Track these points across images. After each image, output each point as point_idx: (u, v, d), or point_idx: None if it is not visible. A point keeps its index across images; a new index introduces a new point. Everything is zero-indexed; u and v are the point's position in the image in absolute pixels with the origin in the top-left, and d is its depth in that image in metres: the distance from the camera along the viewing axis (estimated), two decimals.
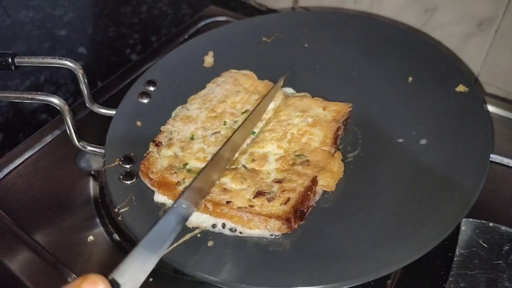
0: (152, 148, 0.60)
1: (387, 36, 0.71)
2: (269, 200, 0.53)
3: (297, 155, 0.57)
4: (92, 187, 0.63)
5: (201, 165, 0.57)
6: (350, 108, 0.62)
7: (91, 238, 0.58)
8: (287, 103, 0.64)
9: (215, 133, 0.61)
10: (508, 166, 0.63)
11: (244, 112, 0.64)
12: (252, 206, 0.53)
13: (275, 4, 0.98)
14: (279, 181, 0.55)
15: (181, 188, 0.55)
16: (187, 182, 0.55)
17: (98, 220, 0.60)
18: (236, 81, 0.68)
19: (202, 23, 0.91)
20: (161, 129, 0.63)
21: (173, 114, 0.66)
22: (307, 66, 0.71)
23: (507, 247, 0.51)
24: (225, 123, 0.62)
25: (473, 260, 0.51)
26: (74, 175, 0.65)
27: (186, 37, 0.89)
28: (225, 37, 0.76)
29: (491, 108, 0.70)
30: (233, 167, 0.57)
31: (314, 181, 0.55)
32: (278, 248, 0.51)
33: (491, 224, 0.53)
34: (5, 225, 0.60)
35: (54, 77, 0.94)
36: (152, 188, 0.57)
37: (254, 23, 0.78)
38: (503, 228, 0.53)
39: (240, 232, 0.52)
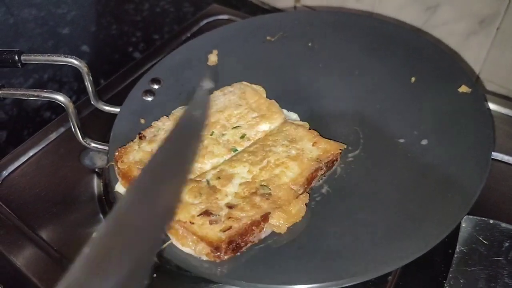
0: (136, 139, 0.60)
1: (390, 35, 0.71)
2: (211, 223, 0.50)
3: (261, 185, 0.54)
4: (96, 184, 0.64)
5: None
6: (341, 150, 0.58)
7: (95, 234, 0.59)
8: (282, 128, 0.61)
9: None
10: (509, 164, 0.63)
11: (234, 128, 0.61)
12: (193, 223, 0.51)
13: (277, 3, 0.98)
14: (230, 206, 0.52)
15: None
16: None
17: (102, 217, 0.61)
18: (243, 94, 0.66)
19: (205, 21, 0.92)
20: (152, 124, 0.62)
21: (172, 112, 0.65)
22: (310, 65, 0.72)
23: (507, 244, 0.52)
24: (212, 134, 0.61)
25: (473, 256, 0.52)
26: (78, 172, 0.65)
27: (188, 35, 0.89)
28: (229, 36, 0.77)
29: (492, 106, 0.70)
30: (198, 179, 0.56)
31: (265, 217, 0.51)
32: (278, 246, 0.51)
33: (491, 221, 0.54)
34: (11, 222, 0.61)
35: (57, 75, 0.95)
36: (117, 176, 0.57)
37: (258, 22, 0.79)
38: (503, 225, 0.53)
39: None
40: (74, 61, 0.61)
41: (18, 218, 0.61)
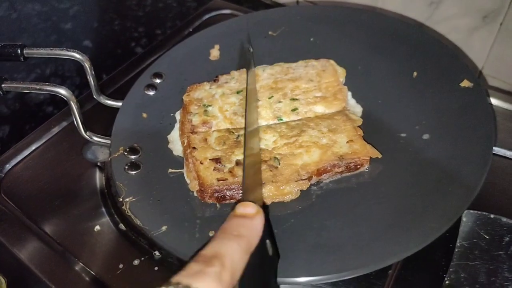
0: (211, 82, 0.67)
1: (392, 30, 0.71)
2: (214, 169, 0.55)
3: (275, 157, 0.56)
4: (99, 178, 0.65)
5: (216, 113, 0.62)
6: (369, 158, 0.56)
7: (97, 228, 0.59)
8: (333, 116, 0.61)
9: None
10: (510, 159, 0.63)
11: (292, 99, 0.63)
12: (202, 163, 0.56)
13: None
14: (237, 163, 0.56)
15: (190, 118, 0.62)
16: (196, 117, 0.62)
17: (104, 211, 0.61)
18: (322, 72, 0.66)
19: (207, 16, 0.92)
20: (230, 72, 0.68)
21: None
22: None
23: (507, 239, 0.52)
24: (270, 97, 0.63)
25: (474, 251, 0.52)
26: (81, 166, 0.66)
27: (191, 30, 0.89)
28: (231, 31, 0.77)
29: (494, 101, 0.70)
30: (232, 131, 0.60)
31: None
32: (278, 239, 0.51)
33: (492, 216, 0.54)
34: (14, 215, 0.61)
35: (59, 70, 0.96)
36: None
37: (260, 17, 0.79)
38: (504, 219, 0.54)
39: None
40: (76, 55, 0.62)
41: (20, 211, 0.62)
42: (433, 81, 0.63)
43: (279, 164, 0.56)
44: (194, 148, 0.58)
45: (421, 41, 0.68)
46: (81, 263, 0.56)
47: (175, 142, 0.62)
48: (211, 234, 0.52)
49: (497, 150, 0.64)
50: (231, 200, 0.55)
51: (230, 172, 0.55)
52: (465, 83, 0.61)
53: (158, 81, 0.70)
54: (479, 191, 0.51)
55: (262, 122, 0.61)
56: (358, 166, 0.56)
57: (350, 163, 0.56)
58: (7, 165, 0.66)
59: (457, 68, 0.63)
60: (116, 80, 0.80)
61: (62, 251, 0.57)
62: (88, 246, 0.58)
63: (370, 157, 0.56)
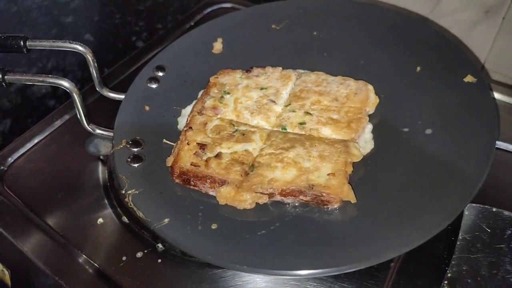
0: (243, 71, 0.68)
1: (396, 25, 0.71)
2: (194, 154, 0.57)
3: (252, 164, 0.57)
4: (101, 171, 0.65)
5: (230, 102, 0.64)
6: (339, 198, 0.53)
7: (100, 220, 0.60)
8: (334, 143, 0.58)
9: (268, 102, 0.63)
10: None
11: (306, 113, 0.61)
12: (188, 144, 0.59)
13: None
14: (217, 156, 0.57)
15: (205, 99, 0.64)
16: (211, 101, 0.64)
17: (107, 203, 0.62)
18: (354, 94, 0.62)
19: (208, 10, 0.93)
20: (265, 67, 0.68)
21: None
22: (315, 54, 0.72)
23: (509, 232, 0.53)
24: (288, 105, 0.63)
25: (476, 244, 0.53)
26: (83, 159, 0.67)
27: (192, 23, 0.90)
28: (234, 24, 0.77)
29: (497, 95, 0.70)
30: (234, 124, 0.61)
31: (221, 182, 0.54)
32: (281, 233, 0.52)
33: (494, 209, 0.54)
34: (16, 208, 0.62)
35: (61, 64, 0.96)
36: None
37: (263, 10, 0.79)
38: (506, 213, 0.54)
39: None
40: (79, 47, 0.62)
41: (24, 204, 0.62)
42: (436, 76, 0.64)
43: (252, 171, 0.56)
44: (190, 128, 0.60)
45: (424, 36, 0.69)
46: (84, 256, 0.57)
47: (184, 117, 0.64)
48: (213, 227, 0.53)
49: (499, 144, 0.64)
50: (194, 187, 0.56)
51: (206, 161, 0.57)
52: (469, 78, 0.61)
53: (160, 74, 0.71)
54: (482, 184, 0.51)
55: (266, 126, 0.62)
56: (326, 203, 0.53)
57: (318, 196, 0.52)
58: (10, 159, 0.67)
59: (461, 63, 0.63)
60: (118, 74, 0.80)
61: (65, 243, 0.58)
62: (91, 239, 0.58)
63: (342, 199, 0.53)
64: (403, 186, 0.54)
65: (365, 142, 0.59)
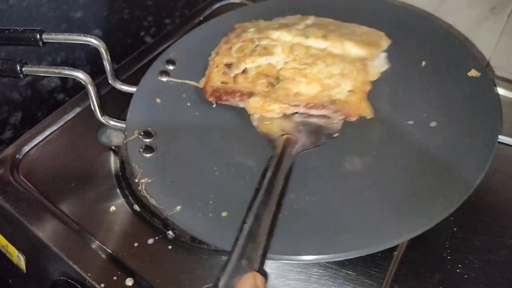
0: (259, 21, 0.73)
1: (402, 20, 0.74)
2: (223, 73, 0.65)
3: (277, 77, 0.62)
4: (113, 161, 0.68)
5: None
6: (358, 114, 0.61)
7: (113, 208, 0.63)
8: (354, 62, 0.64)
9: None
10: None
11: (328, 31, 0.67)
12: (217, 67, 0.66)
13: None
14: (243, 72, 0.64)
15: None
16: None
17: (119, 192, 0.65)
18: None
19: (217, 5, 0.95)
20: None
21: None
22: None
23: None
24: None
25: None
26: (96, 149, 0.70)
27: (201, 18, 0.93)
28: (245, 19, 0.78)
29: (501, 92, 0.73)
30: (256, 40, 0.67)
31: (249, 94, 0.61)
32: (287, 220, 0.53)
33: None
34: (32, 196, 0.65)
35: (70, 59, 0.99)
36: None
37: (273, 5, 0.82)
38: None
39: None
40: (93, 40, 0.65)
41: (39, 192, 0.65)
42: (441, 70, 0.66)
43: (279, 83, 0.61)
44: (217, 53, 0.68)
45: (430, 31, 0.71)
46: (97, 241, 0.60)
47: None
48: (223, 214, 0.55)
49: (502, 138, 0.66)
50: (226, 102, 0.64)
51: (234, 78, 0.64)
52: (473, 73, 0.63)
53: (171, 67, 0.73)
54: (484, 177, 0.53)
55: (287, 37, 0.66)
56: (345, 117, 0.60)
57: (339, 111, 0.60)
58: (25, 148, 0.70)
59: (465, 58, 0.66)
60: (127, 68, 0.83)
61: (79, 229, 0.61)
62: (104, 226, 0.61)
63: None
64: (408, 177, 0.56)
65: (380, 64, 0.66)
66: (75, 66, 0.98)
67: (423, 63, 0.68)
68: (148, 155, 0.61)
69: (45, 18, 1.10)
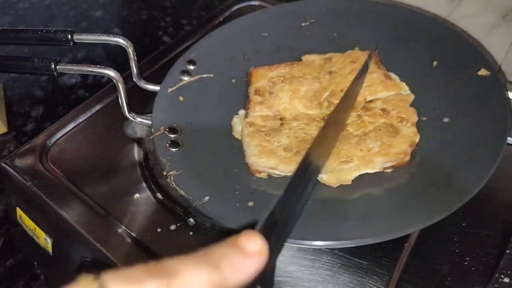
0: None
1: (414, 23, 0.79)
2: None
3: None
4: (137, 152, 0.74)
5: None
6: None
7: (137, 195, 0.68)
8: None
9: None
10: None
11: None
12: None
13: None
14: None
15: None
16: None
17: (142, 181, 0.70)
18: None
19: (236, 7, 1.00)
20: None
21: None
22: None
23: None
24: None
25: None
26: (121, 140, 0.75)
27: (221, 19, 0.98)
28: (263, 21, 0.85)
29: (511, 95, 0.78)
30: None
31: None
32: (308, 208, 0.57)
33: None
34: (60, 182, 0.71)
35: (90, 56, 1.06)
36: None
37: (291, 8, 0.87)
38: None
39: None
40: (121, 41, 0.70)
41: (67, 178, 0.71)
42: (452, 70, 0.71)
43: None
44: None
45: (441, 34, 0.76)
46: (123, 226, 0.65)
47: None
48: (250, 204, 0.59)
49: (510, 140, 0.71)
50: None
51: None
52: (482, 72, 0.68)
53: (192, 67, 0.78)
54: (492, 177, 0.56)
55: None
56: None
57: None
58: (54, 136, 0.77)
59: (475, 58, 0.70)
60: (147, 67, 0.88)
61: (105, 214, 0.67)
62: (129, 212, 0.67)
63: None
64: (424, 169, 0.61)
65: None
66: (95, 63, 1.05)
67: (435, 63, 0.74)
68: (174, 149, 0.66)
69: (66, 16, 1.18)
